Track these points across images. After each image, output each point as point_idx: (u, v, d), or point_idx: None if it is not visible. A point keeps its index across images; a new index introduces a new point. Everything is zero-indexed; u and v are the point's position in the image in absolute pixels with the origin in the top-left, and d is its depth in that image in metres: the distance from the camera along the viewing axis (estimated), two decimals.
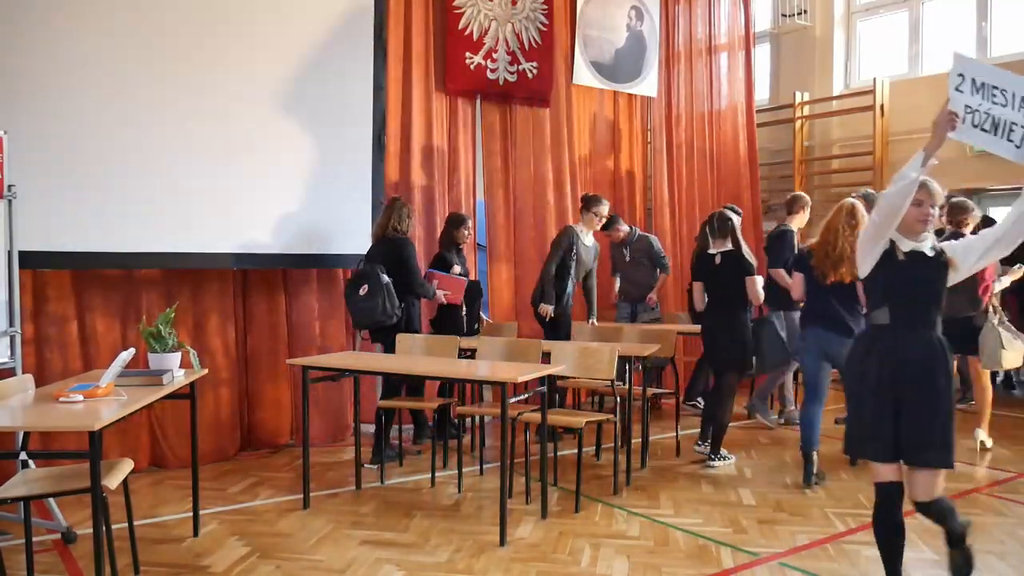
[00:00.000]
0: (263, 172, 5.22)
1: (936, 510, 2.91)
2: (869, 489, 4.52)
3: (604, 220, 6.07)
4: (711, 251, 5.15)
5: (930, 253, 2.88)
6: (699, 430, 5.50)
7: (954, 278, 2.90)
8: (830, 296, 4.64)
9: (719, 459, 5.16)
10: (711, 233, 5.17)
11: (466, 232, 5.81)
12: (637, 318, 6.78)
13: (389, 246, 5.18)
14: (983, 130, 2.98)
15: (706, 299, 5.22)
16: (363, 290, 4.99)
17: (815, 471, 4.70)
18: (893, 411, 2.82)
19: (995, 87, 2.97)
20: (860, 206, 4.71)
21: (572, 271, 5.78)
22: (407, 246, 5.22)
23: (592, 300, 6.07)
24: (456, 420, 5.32)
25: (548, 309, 5.73)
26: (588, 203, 5.94)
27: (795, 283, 4.94)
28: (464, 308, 5.64)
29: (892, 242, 2.86)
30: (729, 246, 5.10)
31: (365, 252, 5.34)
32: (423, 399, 5.29)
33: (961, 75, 2.98)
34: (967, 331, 5.22)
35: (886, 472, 2.89)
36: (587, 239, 5.92)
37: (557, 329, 5.73)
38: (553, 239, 6.01)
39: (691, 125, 7.98)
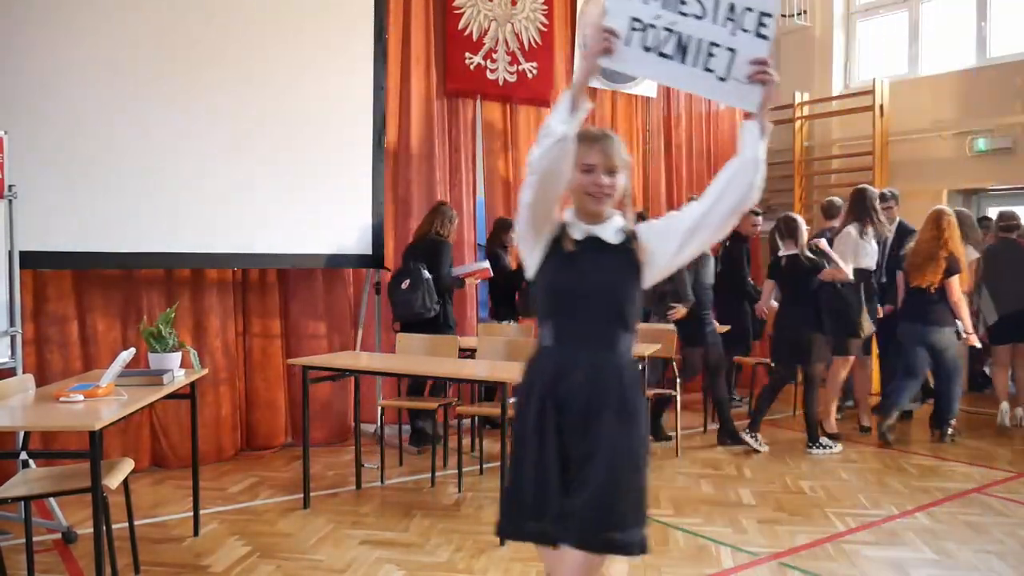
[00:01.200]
0: (263, 172, 5.22)
1: None
2: (869, 489, 4.58)
3: None
4: (780, 253, 5.41)
5: (614, 240, 2.05)
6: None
7: (652, 274, 2.06)
8: (923, 293, 5.40)
9: (817, 447, 5.38)
10: (779, 236, 5.40)
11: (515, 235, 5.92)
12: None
13: (429, 246, 5.45)
14: (662, 55, 2.02)
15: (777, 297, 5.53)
16: (405, 284, 5.28)
17: (887, 427, 5.56)
18: (558, 470, 1.99)
19: None
20: (948, 212, 5.46)
21: (699, 271, 5.72)
22: (443, 248, 5.47)
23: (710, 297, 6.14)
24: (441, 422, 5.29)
25: (683, 310, 5.56)
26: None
27: (900, 281, 5.75)
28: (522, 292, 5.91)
29: (564, 228, 2.06)
30: (794, 249, 5.31)
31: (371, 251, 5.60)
32: (422, 399, 5.29)
33: None
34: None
35: (551, 560, 2.05)
36: None
37: (692, 329, 5.62)
38: None
39: (690, 125, 7.99)
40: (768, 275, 5.66)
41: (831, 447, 5.42)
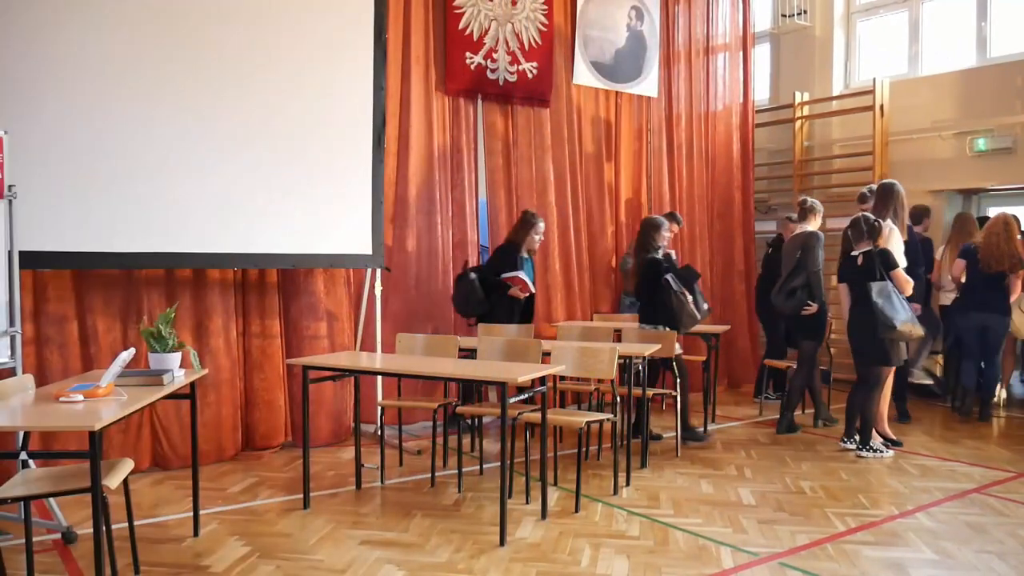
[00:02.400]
0: (263, 172, 5.22)
1: None
2: (869, 488, 4.58)
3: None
4: (853, 253, 5.38)
5: None
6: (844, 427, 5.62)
7: None
8: (989, 283, 6.17)
9: (868, 450, 5.34)
10: (853, 236, 5.40)
11: (667, 234, 5.77)
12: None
13: (497, 249, 6.11)
14: None
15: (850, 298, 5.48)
16: (457, 288, 5.82)
17: (969, 405, 6.45)
18: None
19: None
20: (1012, 217, 6.22)
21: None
22: (501, 249, 5.98)
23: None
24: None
25: (816, 307, 5.86)
26: (814, 208, 6.14)
27: (957, 267, 6.47)
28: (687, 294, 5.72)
29: None
30: (869, 247, 5.31)
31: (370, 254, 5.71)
32: (425, 399, 5.31)
33: None
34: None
35: None
36: None
37: (814, 326, 5.98)
38: (804, 242, 5.89)
39: (691, 125, 7.99)
40: (840, 278, 5.51)
41: (883, 451, 5.33)
